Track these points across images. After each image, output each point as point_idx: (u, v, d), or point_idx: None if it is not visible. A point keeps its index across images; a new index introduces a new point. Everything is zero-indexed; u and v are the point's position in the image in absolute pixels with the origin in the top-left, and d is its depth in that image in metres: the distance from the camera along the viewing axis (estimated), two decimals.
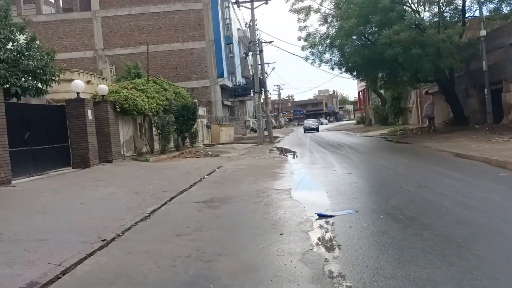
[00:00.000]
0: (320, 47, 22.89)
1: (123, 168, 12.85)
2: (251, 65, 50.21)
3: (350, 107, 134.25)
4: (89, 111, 13.19)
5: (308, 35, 22.78)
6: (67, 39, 36.23)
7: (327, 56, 23.13)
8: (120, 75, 26.87)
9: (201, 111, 27.95)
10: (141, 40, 35.18)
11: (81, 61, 35.61)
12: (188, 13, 36.54)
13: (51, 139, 12.02)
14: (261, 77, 29.75)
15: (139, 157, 16.09)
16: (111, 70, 29.07)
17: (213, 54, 36.93)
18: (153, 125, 18.48)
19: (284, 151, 21.23)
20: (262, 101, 30.39)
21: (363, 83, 43.38)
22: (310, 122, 48.64)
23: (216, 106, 39.34)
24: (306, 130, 45.56)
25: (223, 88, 40.94)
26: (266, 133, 31.42)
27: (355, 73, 23.91)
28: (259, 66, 30.17)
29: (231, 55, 44.89)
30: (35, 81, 13.79)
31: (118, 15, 35.99)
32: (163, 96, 18.80)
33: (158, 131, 17.98)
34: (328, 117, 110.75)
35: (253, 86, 29.44)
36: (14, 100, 13.00)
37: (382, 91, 39.69)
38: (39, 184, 9.28)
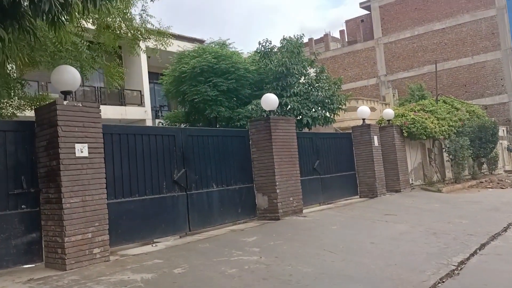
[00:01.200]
0: None
1: (413, 200, 11.50)
2: None
3: None
4: (375, 137, 12.55)
5: None
6: (352, 69, 37.98)
7: None
8: (403, 98, 25.80)
9: (500, 131, 23.53)
10: (424, 60, 33.31)
11: (365, 89, 36.56)
12: (478, 22, 32.36)
13: (338, 167, 11.95)
14: None
15: (430, 186, 14.35)
16: (393, 95, 28.42)
17: (511, 64, 31.30)
18: (443, 149, 16.39)
19: None
20: None
21: None
22: None
23: None
24: None
25: None
26: None
27: None
28: None
29: None
30: (323, 111, 14.32)
31: (400, 38, 35.35)
32: (455, 116, 16.49)
33: (450, 156, 15.75)
34: None
35: None
36: (306, 130, 13.77)
37: None
38: (327, 214, 9.06)
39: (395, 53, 35.75)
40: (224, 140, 8.47)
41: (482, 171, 20.18)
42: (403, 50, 35.41)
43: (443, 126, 15.16)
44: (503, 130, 27.46)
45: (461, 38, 32.96)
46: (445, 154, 16.42)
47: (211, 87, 13.02)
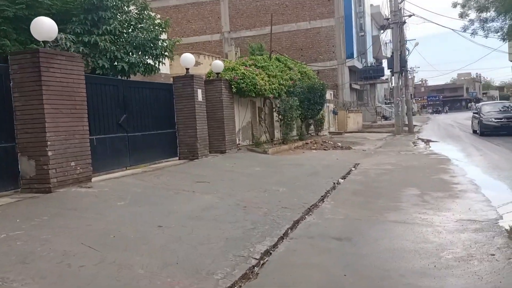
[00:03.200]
0: (485, 12, 17.67)
1: (235, 163, 10.30)
2: (388, 42, 44.98)
3: (495, 93, 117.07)
4: (199, 91, 10.88)
5: None
6: (196, 22, 35.93)
7: (497, 24, 17.80)
8: (244, 57, 24.92)
9: (328, 94, 24.55)
10: (266, 20, 33.02)
11: (208, 44, 35.01)
12: None
13: (155, 124, 9.99)
14: (401, 54, 25.07)
15: (257, 147, 13.51)
16: (236, 53, 27.39)
17: (342, 33, 33.26)
18: (274, 109, 15.80)
19: (434, 145, 16.82)
20: (401, 83, 25.72)
21: None
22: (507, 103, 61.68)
23: (343, 90, 35.59)
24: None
25: (352, 70, 36.95)
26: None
27: None
28: (400, 43, 25.42)
29: (362, 33, 40.22)
30: (145, 57, 11.97)
31: None
32: (287, 75, 15.92)
33: (280, 116, 15.22)
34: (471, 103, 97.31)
35: (391, 66, 24.94)
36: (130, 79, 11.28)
37: None
38: (123, 183, 7.08)
39: (239, 9, 34.84)
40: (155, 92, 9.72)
41: (310, 132, 20.64)
42: (247, 7, 34.69)
43: (274, 84, 14.37)
44: (331, 94, 29.07)
45: (300, 2, 33.55)
46: (275, 114, 15.87)
47: None
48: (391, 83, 37.05)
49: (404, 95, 27.36)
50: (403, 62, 25.93)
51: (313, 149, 15.22)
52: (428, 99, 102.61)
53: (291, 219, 5.48)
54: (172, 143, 10.66)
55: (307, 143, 16.22)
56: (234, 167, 9.66)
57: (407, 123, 27.09)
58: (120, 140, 8.83)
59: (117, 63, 11.14)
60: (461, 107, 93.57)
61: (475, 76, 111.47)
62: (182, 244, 4.34)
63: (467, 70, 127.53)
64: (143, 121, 9.63)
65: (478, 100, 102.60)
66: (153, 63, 12.07)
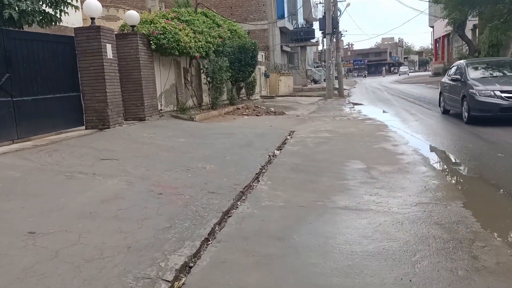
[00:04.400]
0: None
1: (155, 132, 8.81)
2: (318, 3, 44.22)
3: (415, 57, 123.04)
4: (109, 46, 9.07)
5: None
6: None
7: None
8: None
9: (259, 56, 23.28)
10: None
11: None
12: None
13: (51, 85, 8.13)
14: (333, 15, 24.27)
15: (182, 113, 12.03)
16: (160, 8, 24.91)
17: None
18: (202, 71, 14.26)
19: (367, 110, 16.41)
20: (333, 45, 25.09)
21: (447, 27, 36.29)
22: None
23: (274, 52, 34.56)
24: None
25: (283, 32, 35.84)
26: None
27: (465, 7, 18.13)
28: (332, 2, 24.54)
29: None
30: (41, 3, 9.77)
31: None
32: (215, 32, 14.32)
33: (208, 79, 13.75)
34: (393, 68, 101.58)
35: (323, 26, 24.10)
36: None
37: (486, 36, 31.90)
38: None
39: None
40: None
41: (241, 96, 19.39)
42: None
43: (201, 41, 12.75)
44: (262, 55, 27.81)
45: None
46: (203, 76, 14.35)
47: None
48: (322, 46, 36.53)
49: (335, 58, 26.88)
50: (335, 24, 25.23)
51: (245, 114, 14.03)
52: (354, 63, 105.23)
53: (219, 210, 4.27)
54: (76, 109, 8.87)
55: (238, 108, 14.99)
56: (153, 139, 8.18)
57: (337, 87, 26.78)
58: (2, 107, 6.95)
59: (3, 10, 8.96)
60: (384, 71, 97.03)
61: (397, 41, 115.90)
62: (58, 265, 2.95)
63: (391, 34, 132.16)
64: (35, 83, 7.74)
65: (400, 64, 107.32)
66: (53, 12, 9.96)
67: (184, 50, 11.61)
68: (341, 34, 66.69)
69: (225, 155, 7.07)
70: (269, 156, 7.18)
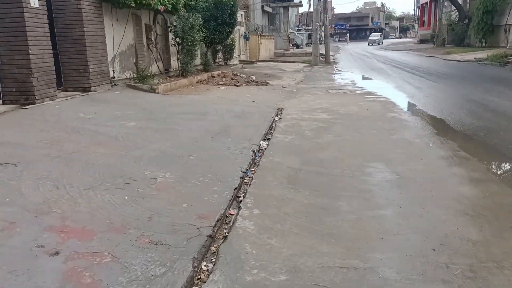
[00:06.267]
0: None
1: (96, 112, 6.49)
2: None
3: (396, 24, 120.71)
4: None
5: None
6: None
7: None
8: None
9: (238, 15, 20.60)
10: None
11: None
12: None
13: None
14: None
15: (142, 82, 9.65)
16: None
17: None
18: (169, 30, 11.76)
19: (361, 81, 14.34)
20: (320, 6, 22.60)
21: None
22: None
23: (254, 12, 31.77)
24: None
25: None
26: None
27: None
28: None
29: None
30: None
31: None
32: None
33: (177, 39, 11.30)
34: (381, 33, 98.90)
35: None
36: None
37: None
38: None
39: None
40: None
41: (217, 60, 16.97)
42: None
43: None
44: (241, 14, 25.08)
45: None
46: (171, 36, 11.87)
47: None
48: (308, 7, 33.81)
49: (322, 20, 24.43)
50: None
51: (221, 84, 11.72)
52: (336, 27, 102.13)
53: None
54: None
55: (213, 76, 12.64)
56: (91, 122, 5.87)
57: (323, 52, 24.49)
58: None
59: None
60: (366, 37, 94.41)
61: (380, 6, 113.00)
62: None
63: None
64: None
65: (381, 30, 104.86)
66: None
67: (144, 2, 9.10)
68: None
69: (189, 152, 4.88)
70: (253, 153, 5.04)
